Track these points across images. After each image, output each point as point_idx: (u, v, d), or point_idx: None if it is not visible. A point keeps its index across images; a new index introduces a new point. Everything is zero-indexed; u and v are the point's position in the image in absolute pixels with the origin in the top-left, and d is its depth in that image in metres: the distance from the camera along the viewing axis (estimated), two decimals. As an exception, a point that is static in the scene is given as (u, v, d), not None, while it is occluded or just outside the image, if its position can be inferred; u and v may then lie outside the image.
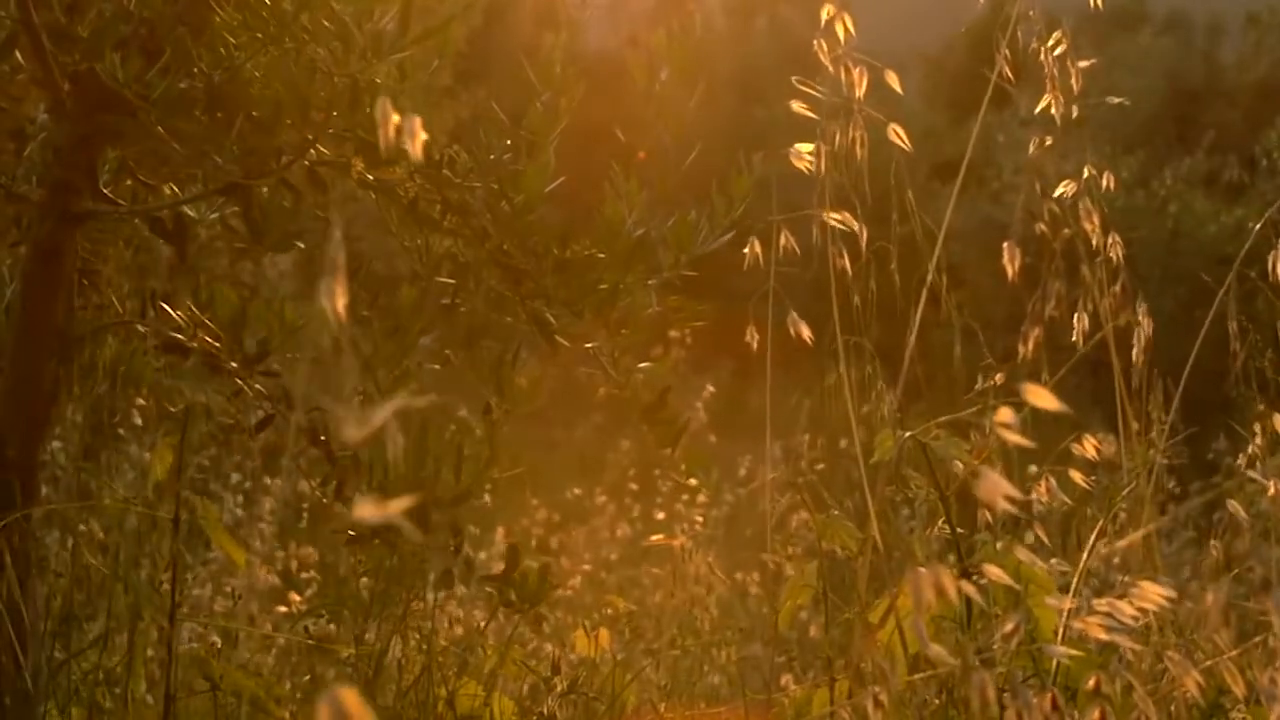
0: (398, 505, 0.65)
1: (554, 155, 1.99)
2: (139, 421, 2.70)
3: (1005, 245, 1.79)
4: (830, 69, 1.78)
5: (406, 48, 1.86)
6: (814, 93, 1.75)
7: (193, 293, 2.05)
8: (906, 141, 1.76)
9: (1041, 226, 1.91)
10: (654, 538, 3.33)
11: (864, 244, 1.80)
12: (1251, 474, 2.08)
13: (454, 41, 1.97)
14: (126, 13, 1.90)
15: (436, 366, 2.04)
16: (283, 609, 2.77)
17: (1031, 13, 1.84)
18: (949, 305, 1.88)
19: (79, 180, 2.03)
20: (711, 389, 5.99)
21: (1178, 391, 1.97)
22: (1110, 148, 15.10)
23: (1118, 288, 1.91)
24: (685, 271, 2.02)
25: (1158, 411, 1.93)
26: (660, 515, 4.52)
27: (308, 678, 2.39)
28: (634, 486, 5.23)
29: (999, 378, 1.80)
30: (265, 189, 1.97)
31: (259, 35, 1.88)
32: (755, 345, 1.85)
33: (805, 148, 1.76)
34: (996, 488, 1.01)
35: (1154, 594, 1.19)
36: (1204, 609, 1.17)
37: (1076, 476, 1.64)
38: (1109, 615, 1.20)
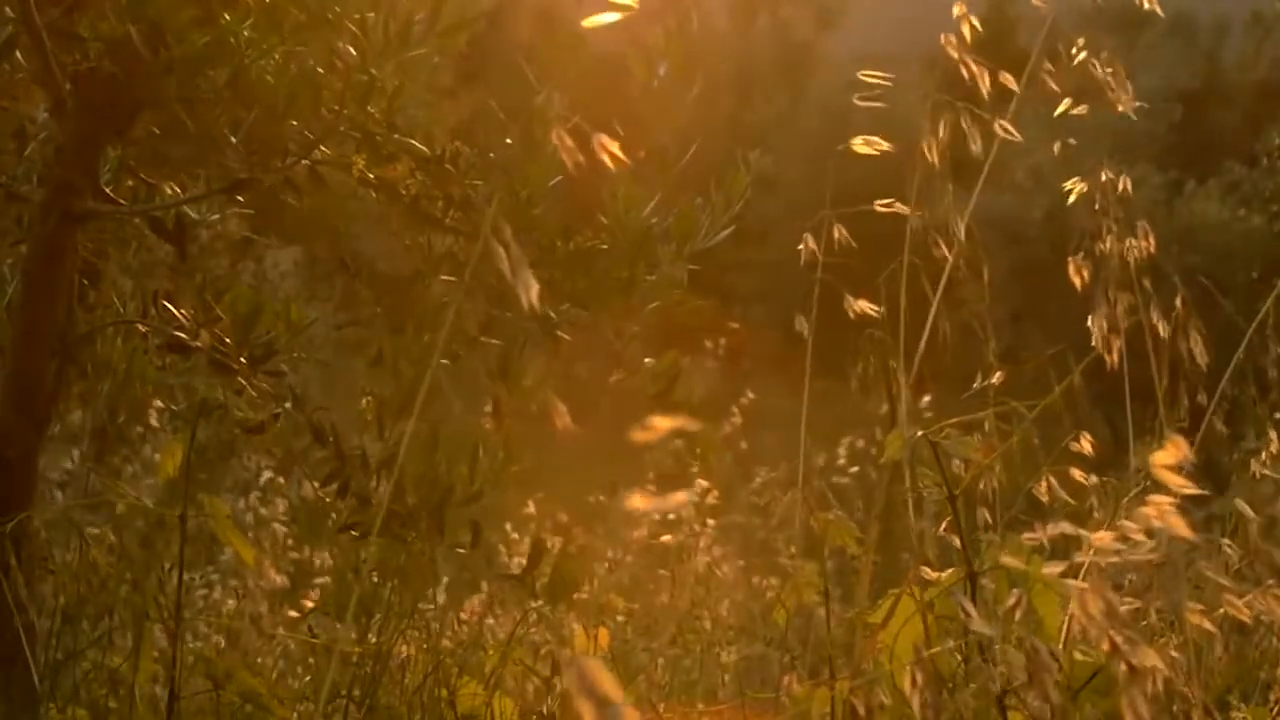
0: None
1: (556, 152, 1.98)
2: (155, 423, 2.70)
3: (1070, 260, 1.80)
4: (963, 64, 1.78)
5: (429, 44, 1.86)
6: (881, 81, 1.75)
7: (199, 290, 2.04)
8: (1016, 134, 1.76)
9: (1103, 246, 1.91)
10: (663, 538, 3.32)
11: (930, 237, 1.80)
12: (1266, 471, 2.08)
13: (456, 42, 1.97)
14: (136, 10, 1.89)
15: (445, 362, 2.04)
16: (295, 614, 2.76)
17: (1049, 19, 1.84)
18: (977, 299, 1.88)
19: (80, 180, 2.02)
20: (751, 395, 5.93)
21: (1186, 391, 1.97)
22: (1122, 150, 15.07)
23: (1178, 300, 1.92)
24: (688, 267, 2.02)
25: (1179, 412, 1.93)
26: (670, 516, 4.51)
27: (308, 677, 2.39)
28: (652, 489, 5.22)
29: (999, 376, 1.80)
30: (270, 186, 1.97)
31: (283, 25, 1.87)
32: (805, 333, 1.85)
33: (872, 139, 1.75)
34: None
35: (1164, 505, 1.16)
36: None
37: (1077, 475, 1.64)
38: (1120, 539, 1.17)
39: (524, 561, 2.12)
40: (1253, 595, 1.36)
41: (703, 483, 3.79)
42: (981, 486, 1.76)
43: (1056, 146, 1.98)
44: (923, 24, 1.88)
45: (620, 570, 4.37)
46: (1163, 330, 1.89)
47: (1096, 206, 1.93)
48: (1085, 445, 1.59)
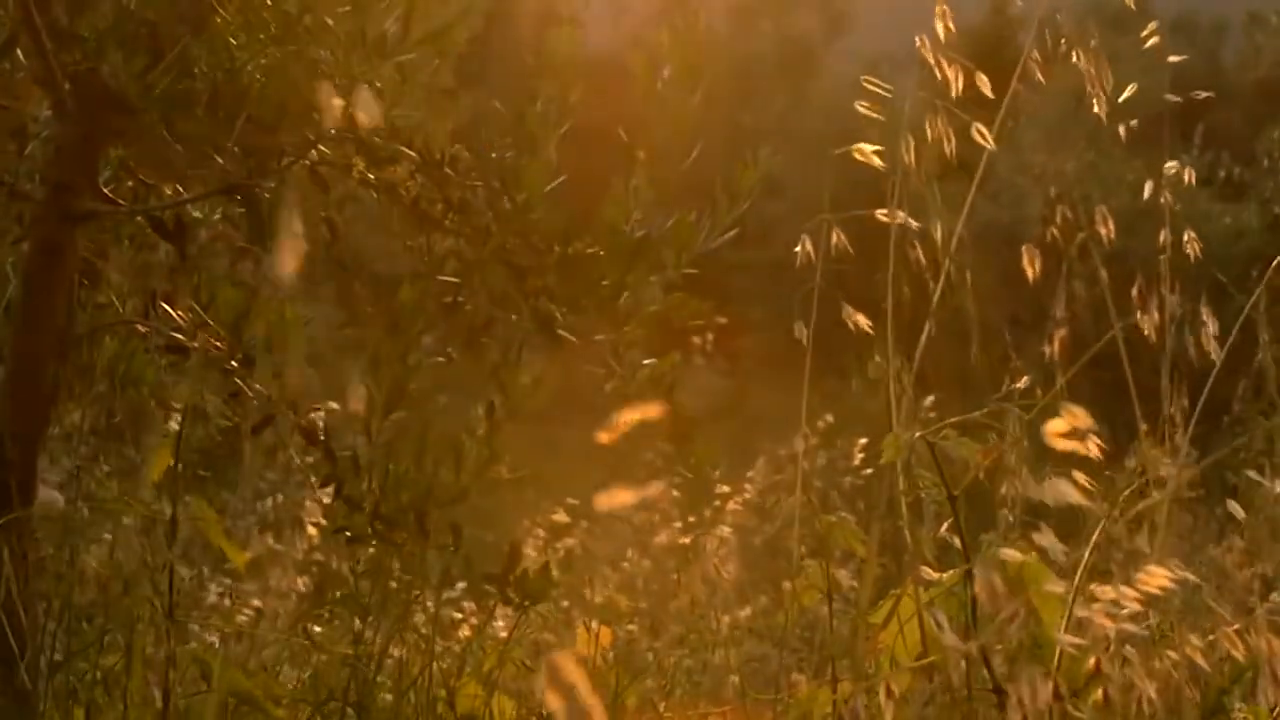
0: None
1: (555, 154, 1.99)
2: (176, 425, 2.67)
3: (1024, 248, 1.79)
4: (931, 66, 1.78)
5: (409, 50, 1.86)
6: (881, 90, 1.75)
7: (194, 292, 2.04)
8: (991, 142, 1.76)
9: (1054, 231, 1.91)
10: (683, 540, 3.33)
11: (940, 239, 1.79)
12: (1252, 474, 2.08)
13: (454, 43, 1.97)
14: (128, 11, 1.89)
15: (441, 359, 2.04)
16: (317, 628, 2.74)
17: (1059, 16, 1.84)
18: (968, 301, 1.88)
19: (80, 180, 2.02)
20: (830, 418, 5.77)
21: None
22: (1117, 149, 15.11)
23: (1135, 291, 1.91)
24: (687, 270, 2.02)
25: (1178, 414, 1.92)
26: (691, 519, 4.50)
27: (309, 676, 2.38)
28: (676, 494, 5.19)
29: (1024, 380, 1.79)
30: (266, 191, 1.97)
31: (261, 36, 1.88)
32: (805, 340, 1.85)
33: (869, 147, 1.75)
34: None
35: (1160, 576, 1.18)
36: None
37: (1080, 477, 1.63)
38: (1114, 603, 1.19)
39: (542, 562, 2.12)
40: (1246, 625, 1.36)
41: (724, 488, 3.81)
42: (1004, 490, 1.76)
43: (1122, 130, 1.97)
44: (928, 24, 1.88)
45: (634, 572, 4.36)
46: (1213, 324, 1.88)
47: (1163, 200, 1.93)
48: (1092, 449, 1.58)
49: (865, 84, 1.76)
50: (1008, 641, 1.37)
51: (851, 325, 1.79)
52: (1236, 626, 1.37)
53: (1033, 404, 1.66)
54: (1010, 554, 1.51)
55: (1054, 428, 1.13)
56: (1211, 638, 1.39)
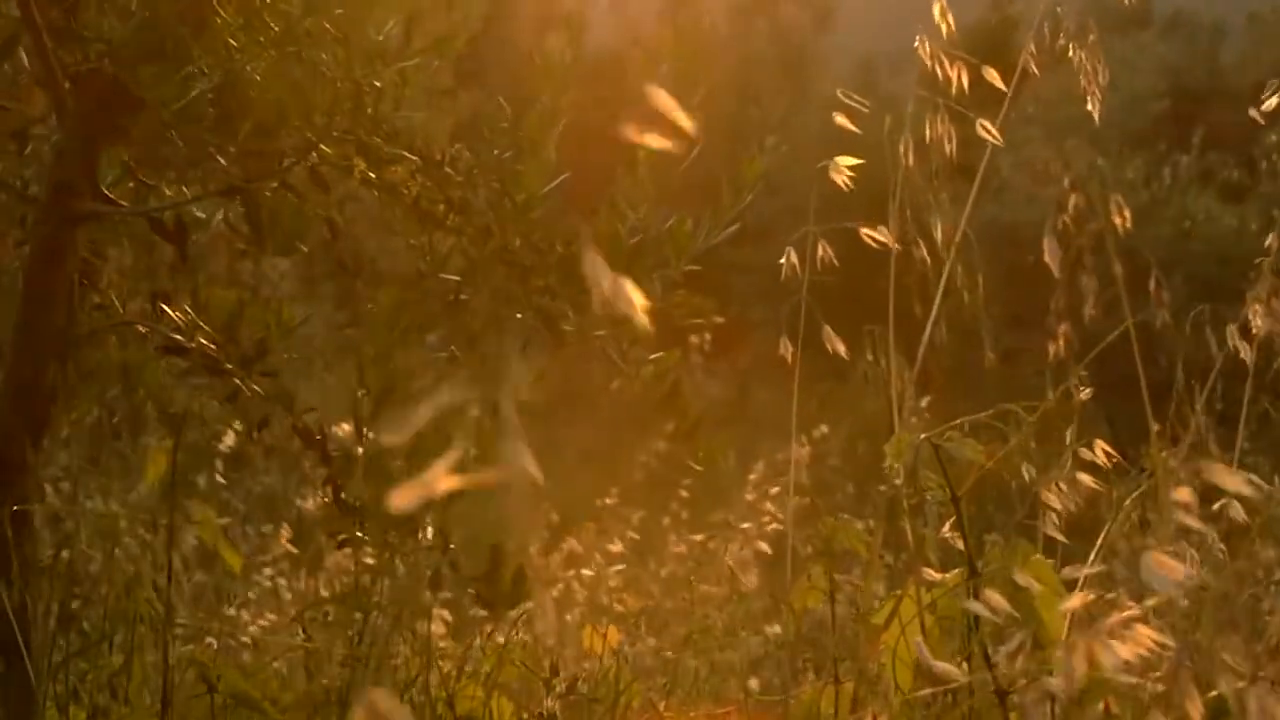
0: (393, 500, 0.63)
1: (555, 154, 1.98)
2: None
3: (1045, 241, 1.76)
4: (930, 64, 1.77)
5: (411, 57, 1.86)
6: (856, 104, 1.74)
7: (191, 294, 2.04)
8: (998, 137, 1.75)
9: (1066, 219, 1.88)
10: (711, 544, 3.31)
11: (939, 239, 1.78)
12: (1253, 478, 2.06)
13: (455, 47, 1.97)
14: (127, 12, 1.89)
15: (442, 355, 2.04)
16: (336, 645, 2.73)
17: (1060, 9, 1.83)
18: (975, 302, 1.87)
19: (80, 181, 2.02)
20: (825, 428, 5.66)
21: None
22: (1118, 148, 15.12)
23: (1152, 284, 1.89)
24: (688, 268, 2.02)
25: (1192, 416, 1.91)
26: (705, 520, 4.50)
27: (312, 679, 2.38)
28: (684, 494, 5.16)
29: (1085, 393, 1.75)
30: (268, 191, 1.97)
31: (261, 39, 1.88)
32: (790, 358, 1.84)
33: (846, 161, 1.74)
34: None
35: (1146, 637, 1.19)
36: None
37: (1086, 479, 1.63)
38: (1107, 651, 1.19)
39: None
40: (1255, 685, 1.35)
41: (750, 496, 3.80)
42: (1051, 501, 1.73)
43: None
44: (926, 22, 1.88)
45: (646, 575, 4.36)
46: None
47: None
48: (1098, 453, 1.58)
49: (843, 98, 1.75)
50: (1013, 669, 1.37)
51: (830, 349, 1.78)
52: (1241, 685, 1.36)
53: (1037, 405, 1.66)
54: (1026, 580, 1.51)
55: (1181, 496, 1.11)
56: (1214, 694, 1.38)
